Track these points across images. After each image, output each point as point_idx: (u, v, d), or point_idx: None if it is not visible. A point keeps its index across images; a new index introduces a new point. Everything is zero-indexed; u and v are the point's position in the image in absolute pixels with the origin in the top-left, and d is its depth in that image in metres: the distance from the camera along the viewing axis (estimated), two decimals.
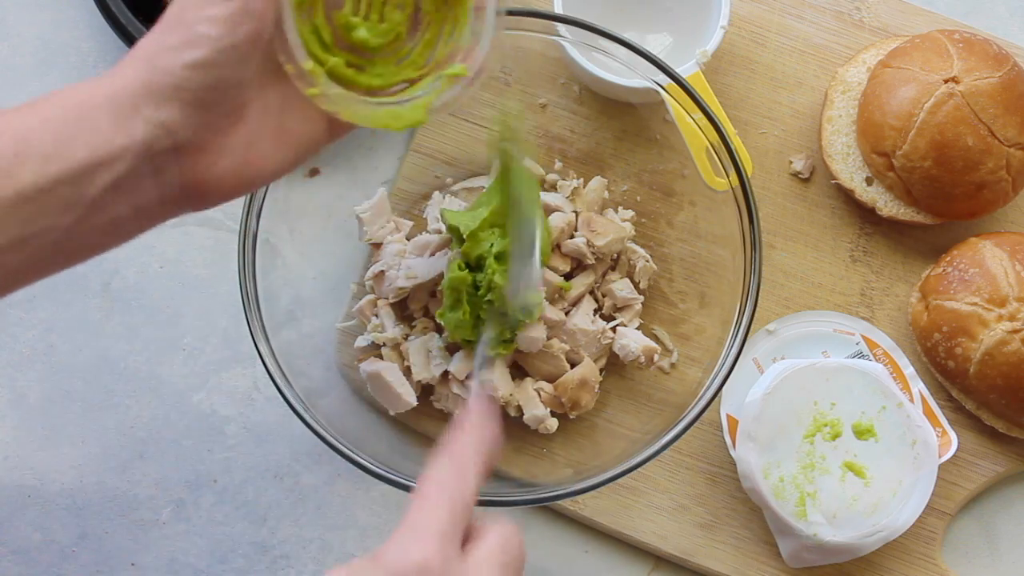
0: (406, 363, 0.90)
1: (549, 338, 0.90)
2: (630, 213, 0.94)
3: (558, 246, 0.91)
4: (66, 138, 0.60)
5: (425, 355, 0.90)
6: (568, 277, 0.92)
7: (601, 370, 0.93)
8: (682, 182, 0.94)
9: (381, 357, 0.91)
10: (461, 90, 0.71)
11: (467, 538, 0.63)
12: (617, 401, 0.93)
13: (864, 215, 0.96)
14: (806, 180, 0.97)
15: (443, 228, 0.90)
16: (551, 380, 0.91)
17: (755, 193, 0.84)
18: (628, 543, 0.94)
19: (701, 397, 0.83)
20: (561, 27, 0.87)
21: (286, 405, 0.83)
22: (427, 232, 0.93)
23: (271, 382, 0.83)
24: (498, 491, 0.85)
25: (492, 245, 0.86)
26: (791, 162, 0.97)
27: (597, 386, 0.91)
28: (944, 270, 0.92)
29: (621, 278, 0.93)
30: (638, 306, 0.93)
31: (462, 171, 0.96)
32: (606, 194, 0.94)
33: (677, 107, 0.86)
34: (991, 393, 0.90)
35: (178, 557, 0.93)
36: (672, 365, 0.93)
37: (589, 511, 0.93)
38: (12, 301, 0.95)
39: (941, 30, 0.94)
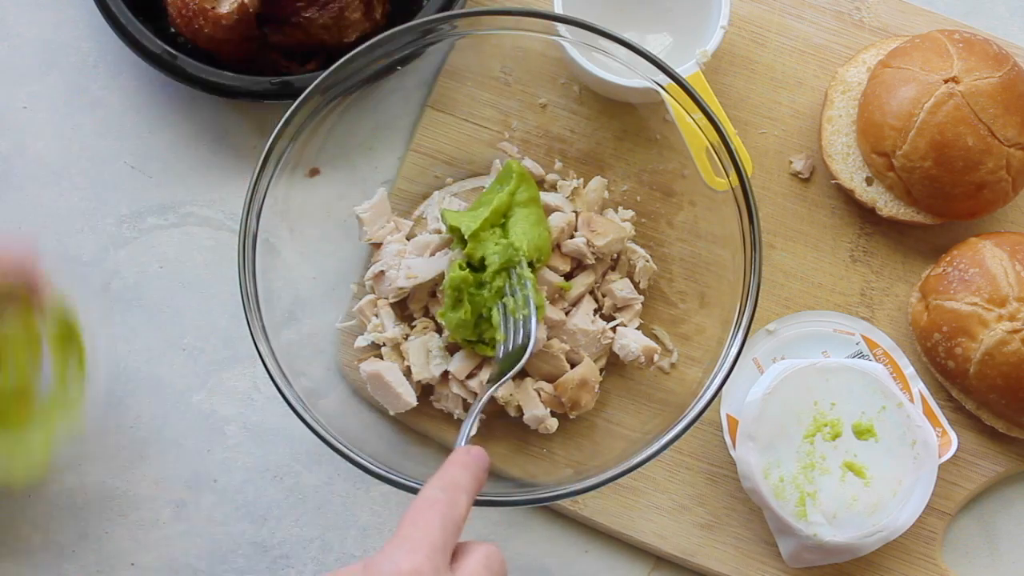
0: (406, 363, 0.90)
1: (549, 338, 0.90)
2: (630, 213, 0.94)
3: (558, 246, 0.91)
4: None
5: (425, 355, 0.90)
6: (568, 277, 0.92)
7: (601, 370, 0.93)
8: (682, 182, 0.94)
9: (381, 357, 0.91)
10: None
11: (453, 557, 0.66)
12: (617, 401, 0.93)
13: (864, 215, 0.96)
14: (806, 180, 0.97)
15: (443, 228, 0.90)
16: (551, 380, 0.91)
17: (755, 193, 0.84)
18: (628, 543, 0.94)
19: (701, 397, 0.83)
20: (561, 27, 0.87)
21: (286, 405, 0.83)
22: (427, 232, 0.93)
23: (271, 382, 0.83)
24: (498, 491, 0.85)
25: (494, 245, 0.86)
26: (791, 162, 0.97)
27: (597, 386, 0.91)
28: (944, 270, 0.92)
29: (621, 278, 0.93)
30: (638, 306, 0.93)
31: (462, 171, 0.96)
32: (606, 194, 0.94)
33: (677, 107, 0.86)
34: (991, 393, 0.90)
35: (178, 557, 0.93)
36: (672, 365, 0.93)
37: (589, 511, 0.93)
38: None
39: (941, 30, 0.94)
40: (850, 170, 0.94)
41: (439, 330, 0.91)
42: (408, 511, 0.66)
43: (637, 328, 0.93)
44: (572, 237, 0.92)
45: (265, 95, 0.92)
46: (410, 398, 0.90)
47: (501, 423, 0.92)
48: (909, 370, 0.92)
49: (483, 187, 0.94)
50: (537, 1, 0.97)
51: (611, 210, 0.94)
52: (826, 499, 0.88)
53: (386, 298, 0.91)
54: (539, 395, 0.90)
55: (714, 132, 0.84)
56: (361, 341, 0.92)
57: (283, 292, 0.89)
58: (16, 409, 0.81)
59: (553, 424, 0.91)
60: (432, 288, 0.91)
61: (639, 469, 0.82)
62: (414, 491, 0.81)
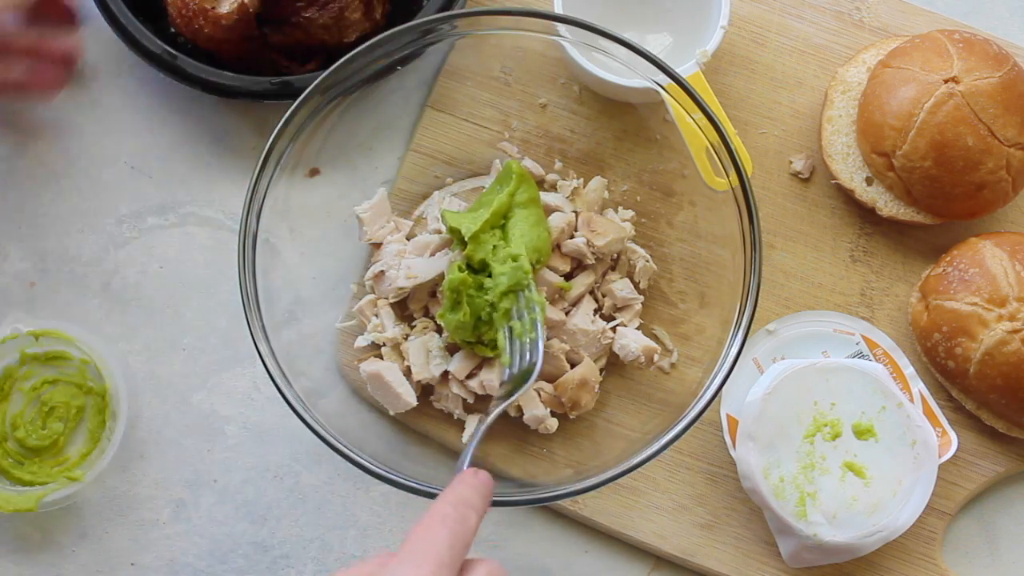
0: (406, 363, 0.90)
1: (549, 338, 0.90)
2: (630, 213, 0.94)
3: (558, 246, 0.91)
4: None
5: (425, 355, 0.90)
6: (568, 277, 0.92)
7: (601, 370, 0.93)
8: (682, 182, 0.94)
9: (381, 357, 0.91)
10: (75, 490, 0.90)
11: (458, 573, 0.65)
12: (617, 401, 0.93)
13: (864, 215, 0.96)
14: (806, 180, 0.97)
15: (443, 228, 0.90)
16: (551, 380, 0.91)
17: (755, 193, 0.84)
18: (628, 543, 0.94)
19: (701, 397, 0.83)
20: (561, 27, 0.87)
21: (286, 405, 0.83)
22: (427, 232, 0.93)
23: (271, 382, 0.83)
24: (498, 491, 0.85)
25: (494, 247, 0.86)
26: (791, 162, 0.97)
27: (597, 386, 0.91)
28: (944, 270, 0.92)
29: (621, 278, 0.93)
30: (638, 306, 0.93)
31: (462, 171, 0.96)
32: (606, 194, 0.94)
33: (677, 107, 0.86)
34: (991, 393, 0.90)
35: (178, 557, 0.93)
36: (672, 365, 0.93)
37: (589, 511, 0.93)
38: (12, 302, 0.95)
39: (941, 30, 0.94)
40: (850, 170, 0.94)
41: (439, 330, 0.91)
42: (418, 524, 0.65)
43: (637, 328, 0.93)
44: (572, 237, 0.92)
45: (265, 95, 0.92)
46: (410, 398, 0.90)
47: (501, 423, 0.91)
48: (909, 370, 0.92)
49: (483, 187, 0.94)
50: (537, 1, 0.97)
51: (611, 210, 0.94)
52: (826, 499, 0.88)
53: (386, 298, 0.91)
54: (539, 395, 0.90)
55: (714, 132, 0.84)
56: (361, 341, 0.92)
57: (283, 292, 0.89)
58: (42, 459, 0.92)
59: (553, 424, 0.91)
60: (432, 288, 0.91)
61: (639, 469, 0.82)
62: (414, 491, 0.81)
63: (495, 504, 0.82)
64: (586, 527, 0.94)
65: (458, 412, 0.91)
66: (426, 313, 0.92)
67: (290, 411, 0.83)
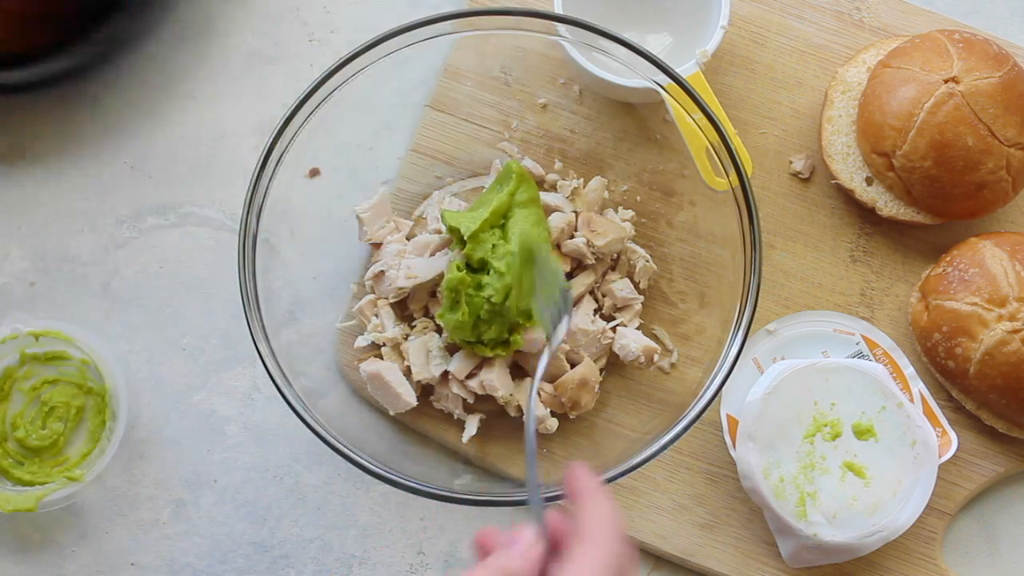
0: (406, 363, 0.90)
1: None
2: (630, 213, 0.94)
3: (558, 246, 0.91)
4: None
5: (425, 355, 0.90)
6: (568, 277, 0.92)
7: (601, 370, 0.93)
8: (682, 182, 0.94)
9: (381, 357, 0.91)
10: (75, 490, 0.90)
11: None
12: (617, 401, 0.93)
13: (864, 215, 0.96)
14: (806, 180, 0.97)
15: (443, 228, 0.90)
16: (551, 380, 0.91)
17: (755, 193, 0.84)
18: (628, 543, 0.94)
19: (701, 397, 0.83)
20: (561, 27, 0.87)
21: (286, 405, 0.83)
22: (427, 232, 0.93)
23: (271, 382, 0.83)
24: (498, 491, 0.85)
25: (493, 246, 0.86)
26: (791, 162, 0.97)
27: (597, 386, 0.91)
28: (944, 270, 0.92)
29: (621, 278, 0.93)
30: (638, 306, 0.93)
31: (462, 171, 0.96)
32: (606, 194, 0.94)
33: (677, 107, 0.86)
34: (991, 393, 0.90)
35: (178, 557, 0.93)
36: (672, 365, 0.93)
37: None
38: (13, 301, 0.95)
39: (941, 30, 0.94)
40: (850, 170, 0.94)
41: (439, 330, 0.91)
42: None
43: (637, 328, 0.93)
44: (572, 237, 0.92)
45: None
46: (410, 398, 0.90)
47: (501, 423, 0.92)
48: (909, 370, 0.92)
49: (483, 187, 0.94)
50: (537, 1, 0.97)
51: (611, 210, 0.94)
52: (826, 499, 0.88)
53: (386, 298, 0.91)
54: (539, 395, 0.90)
55: (714, 132, 0.84)
56: (361, 341, 0.92)
57: (283, 292, 0.89)
58: (42, 459, 0.92)
59: (553, 424, 0.91)
60: (432, 288, 0.91)
61: (639, 469, 0.82)
62: (414, 491, 0.81)
63: (495, 504, 0.82)
64: None
65: (458, 412, 0.91)
66: (426, 313, 0.92)
67: (290, 411, 0.83)
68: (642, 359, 0.91)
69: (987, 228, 0.95)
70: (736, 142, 0.85)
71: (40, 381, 0.93)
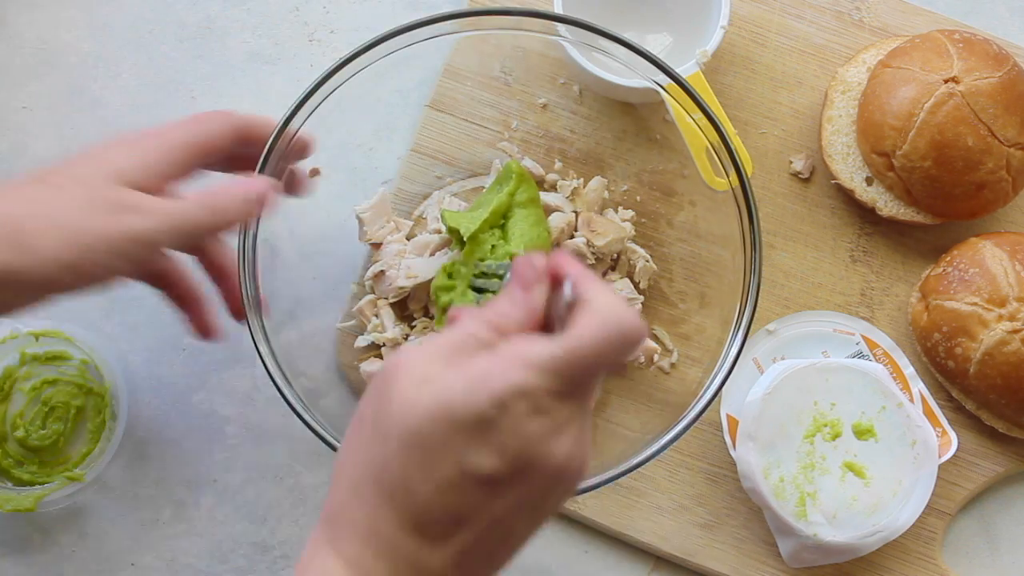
0: None
1: None
2: (630, 213, 0.94)
3: (558, 246, 0.91)
4: None
5: None
6: None
7: None
8: (682, 182, 0.94)
9: (381, 357, 0.91)
10: (75, 490, 0.90)
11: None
12: (617, 401, 0.93)
13: (864, 215, 0.96)
14: (806, 180, 0.97)
15: (443, 228, 0.90)
16: None
17: (755, 193, 0.84)
18: (628, 543, 0.94)
19: (701, 397, 0.83)
20: (561, 27, 0.87)
21: (286, 405, 0.83)
22: (427, 232, 0.93)
23: (271, 382, 0.83)
24: None
25: (493, 247, 0.86)
26: (791, 162, 0.97)
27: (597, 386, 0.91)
28: (944, 270, 0.92)
29: (621, 278, 0.93)
30: (638, 306, 0.93)
31: (462, 171, 0.96)
32: (606, 194, 0.94)
33: (677, 107, 0.86)
34: (991, 393, 0.90)
35: (178, 557, 0.93)
36: (672, 365, 0.93)
37: (589, 511, 0.93)
38: None
39: (941, 30, 0.94)
40: (850, 170, 0.94)
41: None
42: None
43: None
44: (572, 237, 0.92)
45: None
46: None
47: None
48: (909, 370, 0.92)
49: (483, 187, 0.94)
50: (537, 1, 0.97)
51: (611, 210, 0.94)
52: (826, 499, 0.88)
53: (386, 298, 0.91)
54: None
55: (714, 132, 0.84)
56: (361, 341, 0.92)
57: (283, 292, 0.89)
58: (42, 459, 0.92)
59: None
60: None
61: (639, 469, 0.82)
62: None
63: None
64: (586, 527, 0.94)
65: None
66: (426, 313, 0.92)
67: (290, 411, 0.83)
68: (642, 359, 0.91)
69: (987, 228, 0.95)
70: (736, 142, 0.85)
71: (40, 381, 0.93)
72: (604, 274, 0.93)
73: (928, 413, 0.92)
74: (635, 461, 0.82)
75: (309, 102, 0.85)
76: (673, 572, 0.94)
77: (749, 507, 0.92)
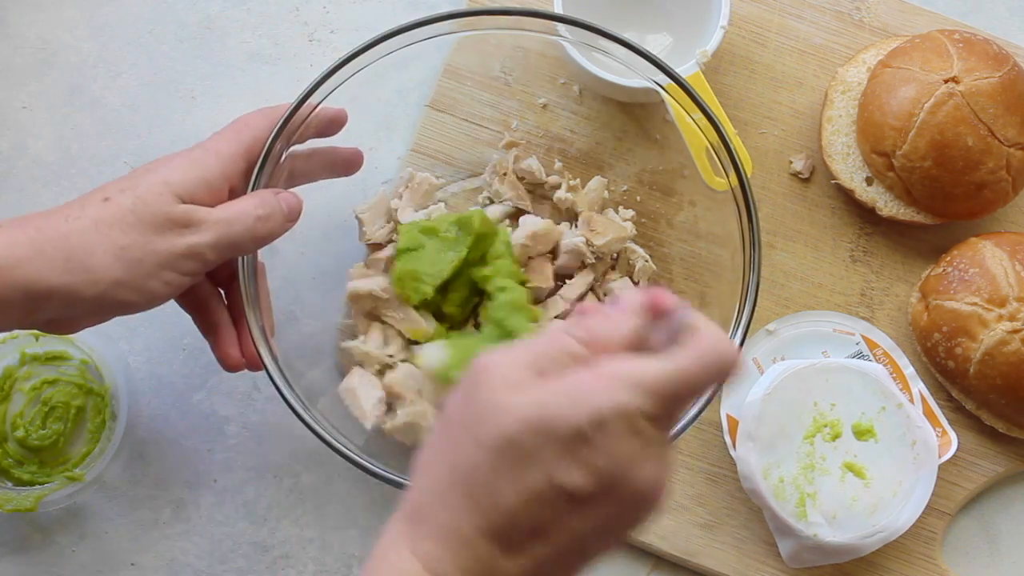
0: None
1: None
2: (630, 213, 0.94)
3: (556, 247, 0.91)
4: None
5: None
6: (568, 277, 0.92)
7: None
8: (682, 182, 0.94)
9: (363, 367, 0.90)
10: (75, 490, 0.90)
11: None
12: None
13: (864, 215, 0.96)
14: (806, 180, 0.97)
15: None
16: None
17: (755, 193, 0.84)
18: (628, 543, 0.94)
19: (701, 397, 0.83)
20: (561, 27, 0.87)
21: (286, 405, 0.83)
22: None
23: (271, 382, 0.83)
24: None
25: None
26: (791, 162, 0.97)
27: None
28: (944, 270, 0.92)
29: (621, 278, 0.93)
30: None
31: (462, 171, 0.96)
32: (606, 194, 0.94)
33: (677, 107, 0.86)
34: (991, 393, 0.90)
35: (178, 557, 0.93)
36: None
37: None
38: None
39: (941, 30, 0.94)
40: (850, 170, 0.94)
41: None
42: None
43: None
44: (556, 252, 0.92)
45: None
46: (367, 421, 0.88)
47: None
48: (909, 370, 0.92)
49: (483, 187, 0.94)
50: (537, 1, 0.97)
51: (611, 210, 0.94)
52: (826, 499, 0.88)
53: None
54: None
55: (714, 132, 0.84)
56: (346, 343, 0.91)
57: (283, 292, 0.89)
58: (42, 459, 0.92)
59: None
60: None
61: None
62: None
63: None
64: None
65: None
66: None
67: (290, 411, 0.83)
68: None
69: (987, 228, 0.95)
70: (736, 142, 0.85)
71: (40, 381, 0.93)
72: (604, 274, 0.93)
73: (928, 413, 0.92)
74: None
75: (309, 102, 0.85)
76: (673, 572, 0.94)
77: (749, 507, 0.92)
